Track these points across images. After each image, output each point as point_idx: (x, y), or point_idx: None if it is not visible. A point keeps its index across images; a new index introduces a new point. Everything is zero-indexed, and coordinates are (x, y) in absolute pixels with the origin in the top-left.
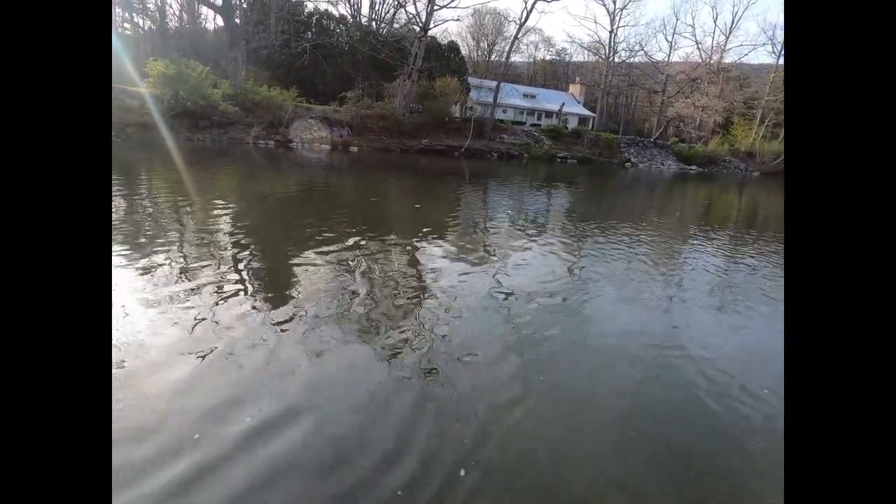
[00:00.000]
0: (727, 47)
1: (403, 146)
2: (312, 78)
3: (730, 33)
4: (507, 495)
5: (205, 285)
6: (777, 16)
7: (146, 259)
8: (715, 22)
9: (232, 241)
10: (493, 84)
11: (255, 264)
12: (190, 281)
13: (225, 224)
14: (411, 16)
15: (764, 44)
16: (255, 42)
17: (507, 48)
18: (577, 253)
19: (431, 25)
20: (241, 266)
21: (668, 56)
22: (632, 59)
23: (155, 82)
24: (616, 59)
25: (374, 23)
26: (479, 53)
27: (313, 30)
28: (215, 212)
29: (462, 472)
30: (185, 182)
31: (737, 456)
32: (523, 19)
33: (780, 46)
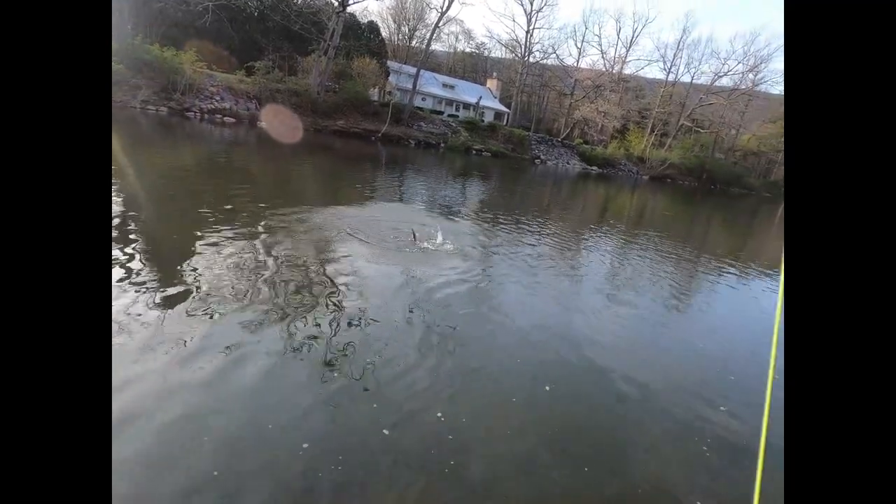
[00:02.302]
0: (627, 59)
1: (317, 126)
2: (215, 42)
3: (630, 47)
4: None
5: None
6: (668, 35)
7: None
8: (618, 35)
9: (120, 221)
10: (413, 70)
11: (148, 246)
12: None
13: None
14: None
15: (657, 60)
16: None
17: (427, 35)
18: (489, 240)
19: (350, 1)
20: (131, 248)
21: (577, 61)
22: (545, 61)
23: None
24: (531, 59)
25: None
26: (400, 38)
27: None
28: None
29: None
30: None
31: (627, 431)
32: (445, 7)
33: (669, 64)
